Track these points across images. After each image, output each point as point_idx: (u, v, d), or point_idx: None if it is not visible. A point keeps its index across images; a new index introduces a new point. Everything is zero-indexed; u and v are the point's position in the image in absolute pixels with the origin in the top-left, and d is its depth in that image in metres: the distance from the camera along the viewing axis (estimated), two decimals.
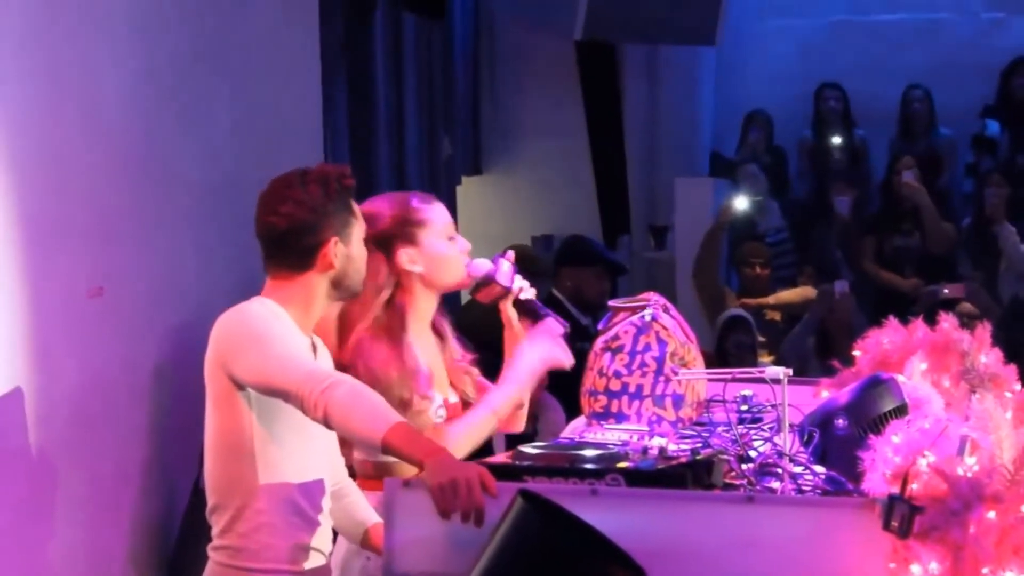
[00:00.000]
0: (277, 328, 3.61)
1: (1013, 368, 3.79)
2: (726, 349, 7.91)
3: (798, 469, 3.36)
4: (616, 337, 4.13)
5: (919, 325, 3.93)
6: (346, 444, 3.96)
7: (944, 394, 3.57)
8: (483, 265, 4.23)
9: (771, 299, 9.07)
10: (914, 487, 2.92)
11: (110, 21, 4.98)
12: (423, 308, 4.20)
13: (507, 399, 4.13)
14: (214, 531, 3.73)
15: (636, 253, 10.28)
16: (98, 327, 4.82)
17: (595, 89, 10.17)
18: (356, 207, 3.79)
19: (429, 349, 4.20)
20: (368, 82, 7.85)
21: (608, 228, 10.17)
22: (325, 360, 3.83)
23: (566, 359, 4.17)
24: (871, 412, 3.33)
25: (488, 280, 4.24)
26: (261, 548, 3.65)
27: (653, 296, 4.24)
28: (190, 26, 5.53)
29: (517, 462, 3.41)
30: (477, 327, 4.65)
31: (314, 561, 3.74)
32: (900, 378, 3.52)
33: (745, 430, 3.69)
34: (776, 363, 7.66)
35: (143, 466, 5.14)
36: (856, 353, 4.05)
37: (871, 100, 10.50)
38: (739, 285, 9.34)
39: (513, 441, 4.90)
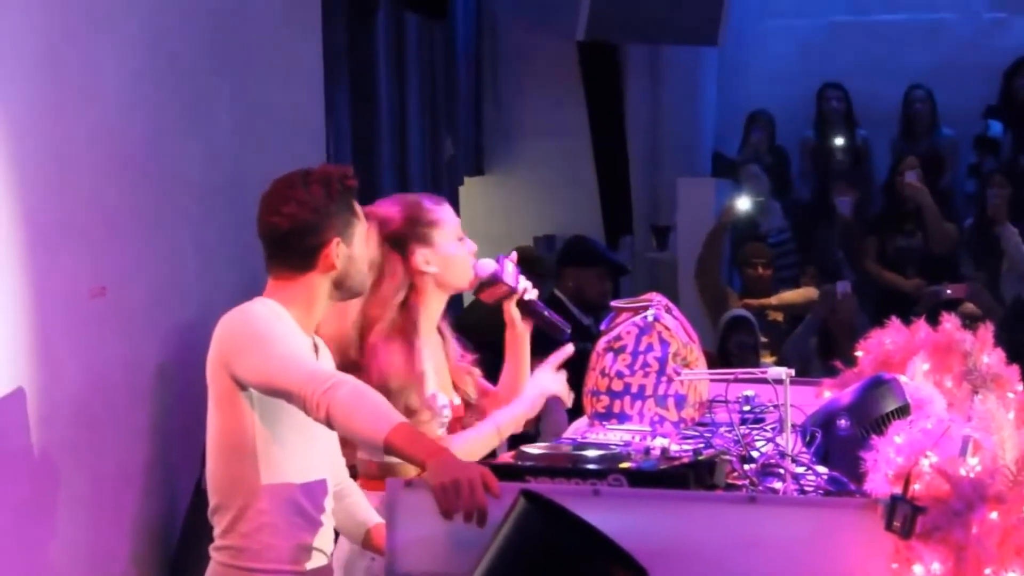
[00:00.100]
0: (279, 328, 3.61)
1: (1015, 369, 3.79)
2: (728, 349, 7.91)
3: (800, 469, 3.36)
4: (618, 337, 4.13)
5: (921, 325, 3.93)
6: (348, 444, 3.96)
7: (946, 394, 3.57)
8: (488, 265, 4.25)
9: (773, 300, 9.07)
10: (916, 487, 2.92)
11: (113, 23, 4.98)
12: (434, 309, 4.22)
13: (513, 419, 4.21)
14: (216, 531, 3.73)
15: (638, 253, 10.29)
16: (100, 327, 4.82)
17: (597, 89, 10.17)
18: (358, 208, 3.79)
19: (435, 350, 4.22)
20: (370, 82, 7.85)
21: (610, 228, 10.17)
22: (327, 360, 3.83)
23: (567, 397, 4.28)
24: (873, 412, 3.33)
25: (494, 280, 4.26)
26: (263, 548, 3.65)
27: (655, 296, 4.25)
28: (192, 27, 5.53)
29: (519, 462, 3.41)
30: (480, 327, 4.67)
31: (316, 561, 3.74)
32: (902, 378, 3.52)
33: (747, 430, 3.69)
34: (778, 363, 7.66)
35: (145, 466, 5.14)
36: (858, 353, 4.05)
37: (873, 100, 10.49)
38: (741, 285, 9.34)
39: (515, 441, 4.90)
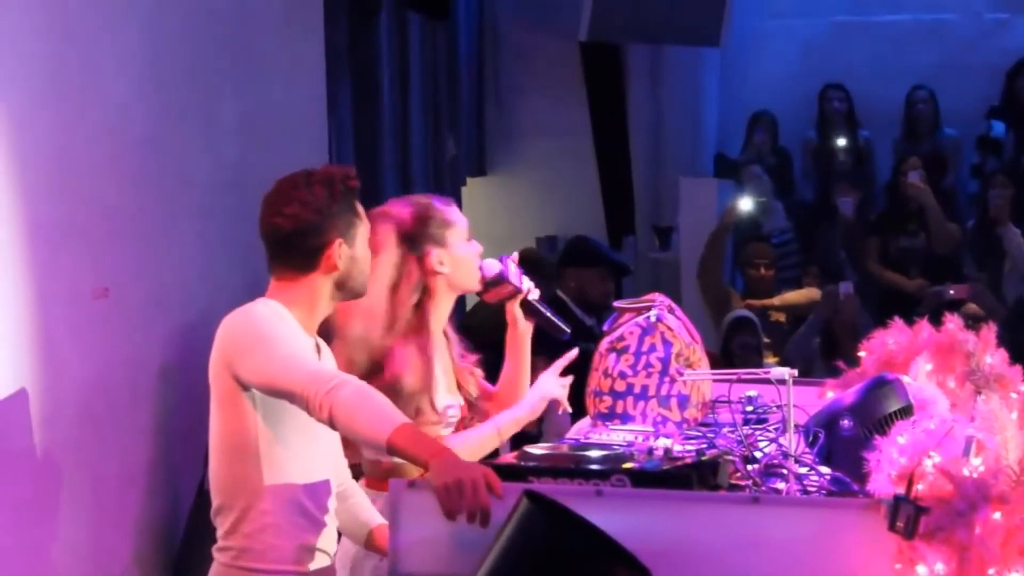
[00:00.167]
0: (282, 329, 3.61)
1: (1018, 369, 3.78)
2: (731, 350, 7.91)
3: (803, 470, 3.36)
4: (621, 338, 4.14)
5: (924, 326, 3.92)
6: (351, 445, 3.96)
7: (949, 395, 3.57)
8: (493, 266, 4.27)
9: (776, 300, 9.07)
10: (919, 488, 2.92)
11: (114, 23, 4.98)
12: (443, 310, 4.24)
13: (514, 421, 4.22)
14: (219, 532, 3.73)
15: (641, 254, 10.28)
16: (103, 328, 4.82)
17: (599, 90, 10.17)
18: (361, 208, 3.80)
19: (443, 352, 4.23)
20: (373, 83, 7.85)
21: (613, 229, 10.17)
22: (328, 361, 3.83)
23: (566, 404, 4.27)
24: (876, 413, 3.32)
25: (499, 280, 4.27)
26: (266, 549, 3.65)
27: (658, 297, 4.25)
28: (194, 27, 5.53)
29: (522, 463, 3.41)
30: (484, 328, 4.67)
31: (319, 562, 3.74)
32: (905, 379, 3.51)
33: (750, 431, 3.69)
34: (781, 364, 7.65)
35: (148, 467, 5.14)
36: (861, 354, 4.05)
37: (875, 101, 10.49)
38: (744, 286, 9.33)
39: (518, 442, 4.91)
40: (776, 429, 3.66)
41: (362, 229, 3.79)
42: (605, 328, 4.29)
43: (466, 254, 4.23)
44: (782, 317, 9.00)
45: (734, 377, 3.96)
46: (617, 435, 3.75)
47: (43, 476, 4.51)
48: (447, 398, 4.17)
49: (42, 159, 4.50)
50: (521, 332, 4.35)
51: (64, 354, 4.60)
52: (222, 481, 3.71)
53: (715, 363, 4.89)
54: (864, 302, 8.66)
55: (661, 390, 4.05)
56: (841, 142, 10.37)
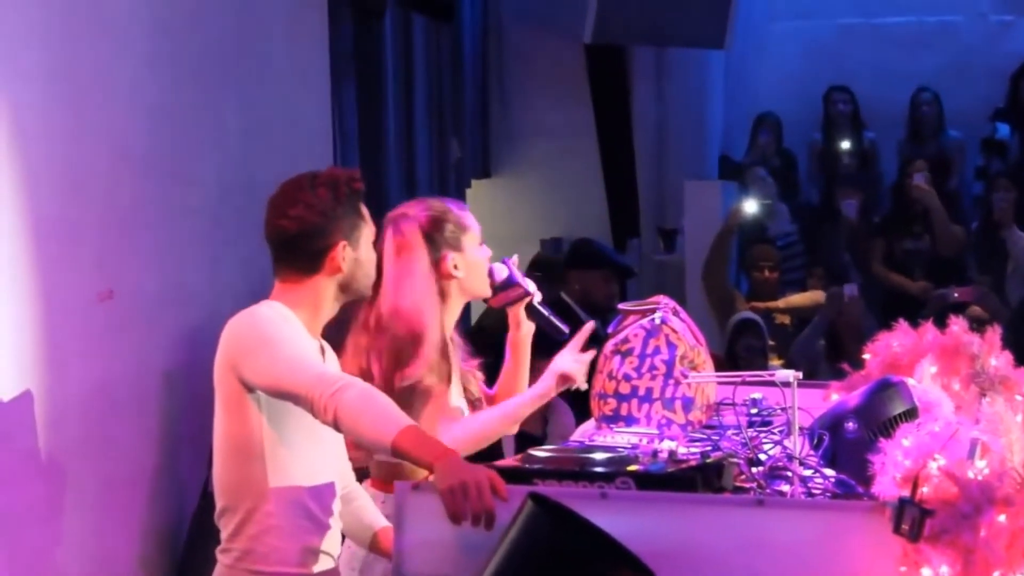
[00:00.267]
0: (287, 331, 3.61)
1: (1023, 371, 3.78)
2: (736, 352, 7.90)
3: (808, 472, 3.35)
4: (626, 340, 4.13)
5: (929, 328, 3.92)
6: (358, 447, 3.96)
7: (954, 397, 3.56)
8: (502, 270, 4.28)
9: (780, 303, 9.07)
10: (924, 490, 2.92)
11: (121, 27, 4.98)
12: (454, 314, 4.26)
13: (530, 399, 4.20)
14: (223, 534, 3.73)
15: (645, 256, 10.28)
16: (107, 330, 4.82)
17: (604, 92, 10.17)
18: (365, 211, 3.80)
19: (452, 355, 4.23)
20: (377, 85, 7.85)
21: (617, 231, 10.17)
22: (333, 363, 3.83)
23: (581, 380, 4.19)
24: (881, 415, 3.32)
25: (508, 285, 4.29)
26: (270, 551, 3.65)
27: (663, 299, 4.25)
28: (200, 31, 5.54)
29: (527, 465, 3.41)
30: (501, 327, 4.66)
31: (323, 564, 3.74)
32: (910, 381, 3.51)
33: (755, 433, 3.69)
34: (785, 366, 7.65)
35: (152, 469, 5.14)
36: (866, 356, 4.04)
37: (880, 103, 10.49)
38: (748, 288, 9.33)
39: (523, 444, 4.91)
40: (781, 431, 3.66)
41: (366, 231, 3.79)
42: (609, 330, 4.29)
43: (479, 259, 4.25)
44: (787, 319, 9.01)
45: (738, 379, 3.96)
46: (621, 437, 3.74)
47: (48, 478, 4.51)
48: (458, 400, 4.20)
49: (47, 162, 4.51)
50: (523, 335, 4.37)
51: (69, 356, 4.60)
52: (226, 483, 3.71)
53: (720, 365, 4.88)
54: (868, 304, 8.65)
55: (665, 392, 4.04)
56: (845, 145, 10.37)
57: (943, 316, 4.02)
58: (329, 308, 3.77)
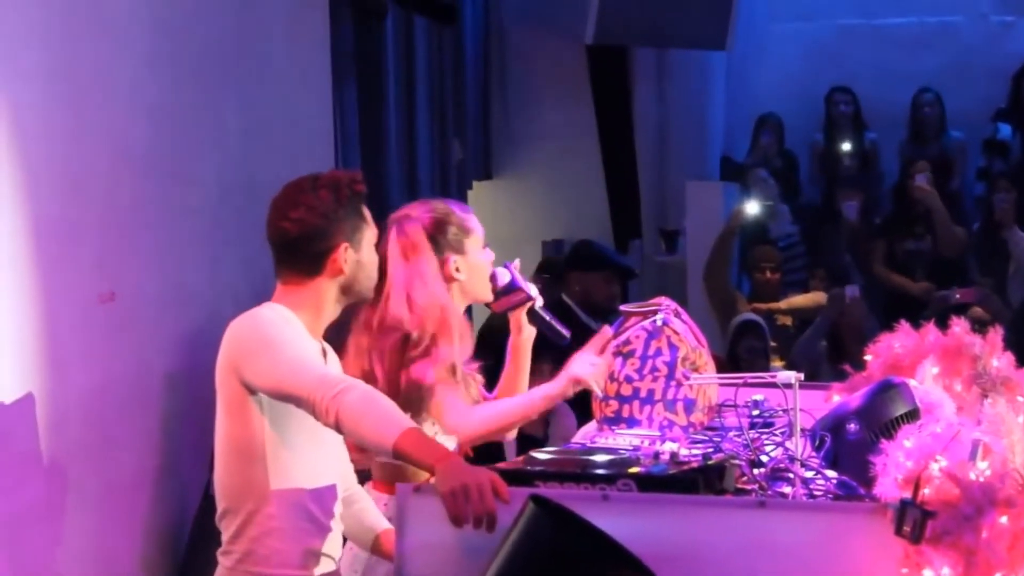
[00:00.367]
0: (288, 333, 3.61)
1: None
2: (738, 354, 7.90)
3: (810, 474, 3.35)
4: (627, 342, 4.13)
5: (931, 329, 3.92)
6: (360, 449, 3.96)
7: (956, 398, 3.56)
8: (504, 275, 4.28)
9: (782, 304, 9.06)
10: (926, 492, 2.92)
11: (122, 27, 4.98)
12: None
13: (543, 397, 4.14)
14: (224, 536, 3.73)
15: (647, 257, 10.28)
16: (109, 332, 4.82)
17: (605, 93, 10.17)
18: (367, 213, 3.80)
19: None
20: (379, 87, 7.85)
21: (619, 232, 10.17)
22: (335, 365, 3.83)
23: (597, 385, 4.11)
24: (883, 416, 3.32)
25: (511, 289, 4.28)
26: (271, 553, 3.65)
27: (664, 301, 4.25)
28: (200, 32, 5.54)
29: (529, 467, 3.41)
30: (506, 330, 4.65)
31: (324, 567, 3.73)
32: (912, 382, 3.51)
33: (757, 435, 3.69)
34: (787, 368, 7.64)
35: (154, 471, 5.14)
36: (867, 357, 4.04)
37: (882, 104, 10.49)
38: (750, 289, 9.33)
39: (524, 446, 4.91)
40: (782, 433, 3.66)
41: (368, 234, 3.79)
42: (611, 332, 4.29)
43: (482, 262, 4.25)
44: (788, 321, 9.00)
45: (740, 381, 3.96)
46: (623, 439, 3.75)
47: (49, 480, 4.51)
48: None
49: (48, 163, 4.51)
50: (524, 339, 4.37)
51: (70, 358, 4.60)
52: (228, 485, 3.71)
53: (722, 367, 4.88)
54: (870, 305, 8.65)
55: (667, 394, 4.05)
56: (846, 146, 10.37)
57: (945, 317, 4.02)
58: (331, 310, 3.77)
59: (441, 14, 8.93)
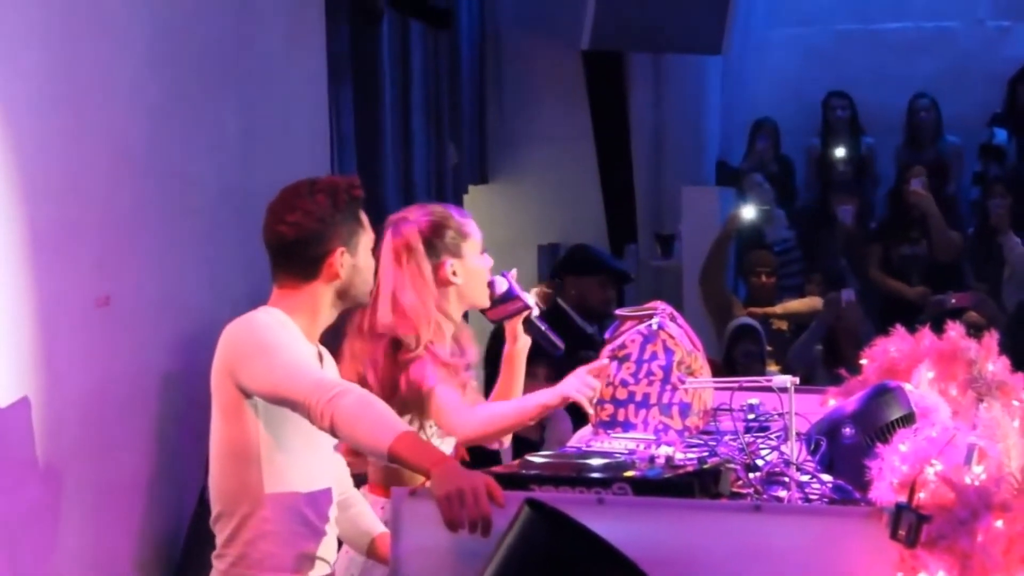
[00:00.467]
0: (284, 337, 3.61)
1: (1020, 376, 3.78)
2: (735, 358, 7.90)
3: (805, 478, 3.35)
4: (623, 346, 4.13)
5: (926, 333, 3.92)
6: (353, 452, 3.96)
7: (951, 402, 3.56)
8: (501, 283, 4.27)
9: (778, 309, 9.06)
10: (921, 496, 2.92)
11: (119, 31, 4.98)
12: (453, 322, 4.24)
13: (536, 404, 4.12)
14: (218, 539, 3.72)
15: (643, 262, 10.28)
16: (105, 336, 4.82)
17: (601, 97, 10.17)
18: (364, 218, 3.80)
19: None
20: (374, 90, 7.85)
21: (615, 237, 10.17)
22: (331, 369, 3.83)
23: (588, 406, 4.09)
24: (878, 421, 3.32)
25: (508, 297, 4.28)
26: (265, 556, 3.65)
27: (660, 305, 4.24)
28: (197, 36, 5.53)
29: (524, 471, 3.41)
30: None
31: (319, 571, 3.73)
32: (907, 386, 3.51)
33: (752, 439, 3.69)
34: (783, 372, 7.65)
35: (150, 475, 5.14)
36: (863, 361, 4.04)
37: (878, 108, 10.50)
38: (746, 294, 9.33)
39: (520, 450, 4.91)
40: (778, 437, 3.66)
41: (365, 238, 3.79)
42: (606, 336, 4.29)
43: (479, 267, 4.25)
44: (784, 325, 9.00)
45: (736, 385, 3.96)
46: (619, 443, 3.74)
47: (45, 482, 4.51)
48: None
49: (44, 167, 4.50)
50: (519, 348, 4.36)
51: (66, 362, 4.60)
52: (223, 489, 3.71)
53: (718, 371, 4.89)
54: (866, 310, 8.66)
55: (663, 398, 4.04)
56: (840, 152, 10.37)
57: (940, 321, 4.02)
58: (327, 314, 3.77)
59: (437, 18, 8.93)
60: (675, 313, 4.25)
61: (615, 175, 10.22)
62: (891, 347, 3.96)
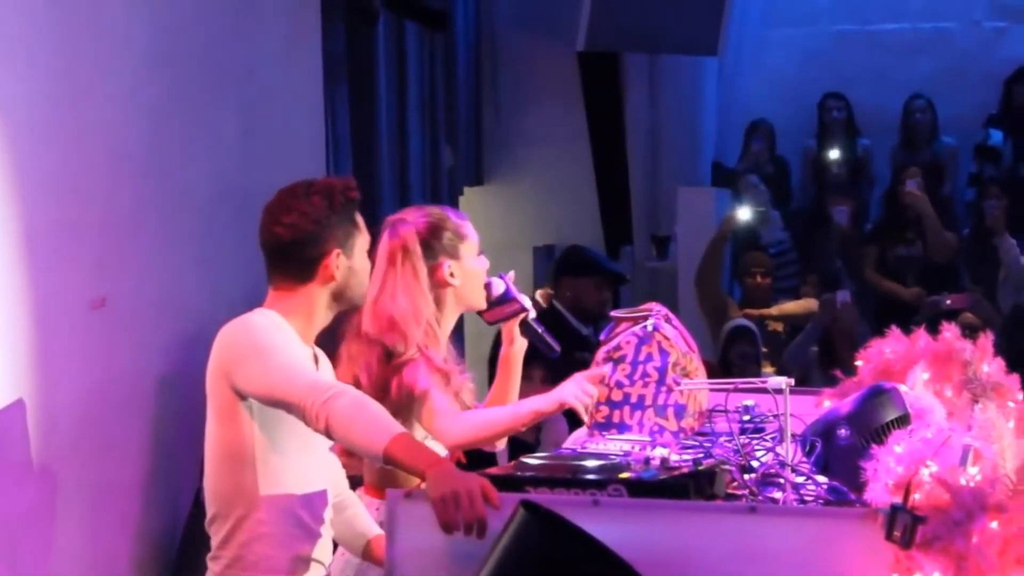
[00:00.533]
0: (279, 339, 3.61)
1: (1015, 378, 3.78)
2: (730, 359, 7.91)
3: (800, 479, 3.35)
4: (618, 347, 4.13)
5: (921, 335, 3.92)
6: (351, 454, 3.96)
7: (946, 404, 3.56)
8: (499, 285, 4.27)
9: (774, 310, 9.06)
10: (916, 497, 2.92)
11: (115, 32, 4.97)
12: (449, 324, 4.25)
13: (530, 410, 4.11)
14: (213, 541, 3.72)
15: (638, 263, 10.27)
16: (100, 338, 4.82)
17: (597, 99, 10.17)
18: (360, 219, 3.80)
19: None
20: (370, 92, 7.85)
21: (610, 238, 10.17)
22: (327, 371, 3.83)
23: (585, 413, 4.08)
24: (873, 422, 3.32)
25: (503, 299, 4.28)
26: (259, 559, 3.65)
27: (655, 306, 4.24)
28: (193, 38, 5.53)
29: (519, 473, 3.41)
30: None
31: (314, 573, 3.73)
32: (902, 388, 3.51)
33: (747, 440, 3.68)
34: (778, 373, 7.65)
35: (146, 476, 5.14)
36: (858, 363, 4.04)
37: (874, 109, 10.50)
38: (741, 295, 9.34)
39: (515, 452, 4.90)
40: (773, 438, 3.65)
41: (361, 240, 3.79)
42: (601, 337, 4.28)
43: (476, 268, 4.25)
44: (780, 326, 9.00)
45: (731, 386, 3.95)
46: (614, 445, 3.74)
47: (41, 485, 4.51)
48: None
49: (40, 168, 4.50)
50: (516, 350, 4.37)
51: (62, 364, 4.60)
52: (218, 490, 3.71)
53: (713, 372, 4.89)
54: (861, 311, 8.65)
55: (658, 400, 4.04)
56: (835, 153, 10.37)
57: (935, 322, 4.03)
58: (322, 316, 3.77)
59: (433, 20, 8.93)
60: (670, 314, 4.25)
61: (611, 176, 10.22)
62: (886, 348, 3.96)
